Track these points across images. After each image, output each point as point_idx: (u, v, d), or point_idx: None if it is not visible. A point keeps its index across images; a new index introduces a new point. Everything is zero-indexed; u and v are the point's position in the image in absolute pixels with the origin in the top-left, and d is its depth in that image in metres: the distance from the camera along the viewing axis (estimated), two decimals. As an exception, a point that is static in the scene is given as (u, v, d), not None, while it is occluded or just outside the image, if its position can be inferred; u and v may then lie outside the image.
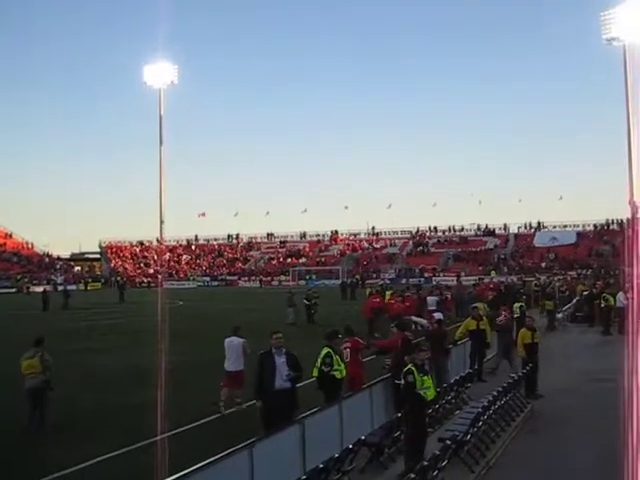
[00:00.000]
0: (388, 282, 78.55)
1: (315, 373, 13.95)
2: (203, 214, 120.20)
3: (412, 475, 8.99)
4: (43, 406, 14.84)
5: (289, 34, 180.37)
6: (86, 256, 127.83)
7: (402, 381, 11.69)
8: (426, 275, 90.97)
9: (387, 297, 36.61)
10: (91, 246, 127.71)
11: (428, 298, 35.45)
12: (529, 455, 12.77)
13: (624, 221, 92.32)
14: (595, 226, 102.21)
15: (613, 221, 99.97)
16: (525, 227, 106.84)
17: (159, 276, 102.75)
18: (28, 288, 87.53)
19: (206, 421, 15.38)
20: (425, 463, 9.56)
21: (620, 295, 31.19)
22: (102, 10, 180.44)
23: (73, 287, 66.24)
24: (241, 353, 16.74)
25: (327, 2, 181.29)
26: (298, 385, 12.96)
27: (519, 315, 25.91)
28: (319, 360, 13.87)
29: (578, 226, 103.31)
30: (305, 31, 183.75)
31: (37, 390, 14.78)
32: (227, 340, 17.09)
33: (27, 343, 15.73)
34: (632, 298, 29.06)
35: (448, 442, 10.76)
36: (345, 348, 15.36)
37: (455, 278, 78.84)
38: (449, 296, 37.96)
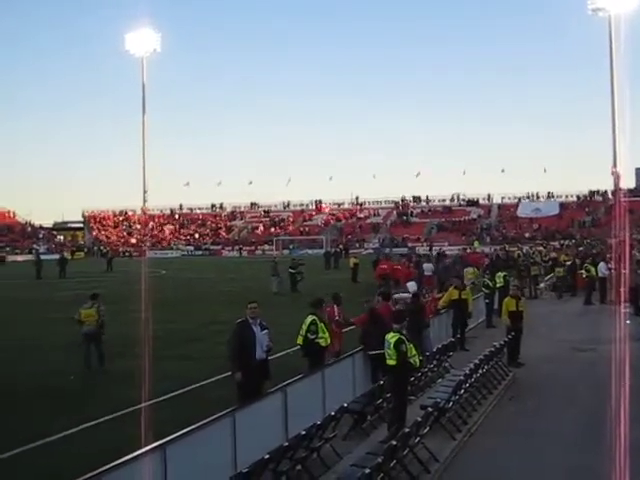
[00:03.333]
0: (372, 251, 78.63)
1: (300, 341, 13.99)
2: (187, 183, 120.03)
3: (394, 442, 9.05)
4: (100, 346, 17.83)
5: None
6: (69, 225, 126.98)
7: (386, 350, 11.76)
8: (410, 245, 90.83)
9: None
10: (74, 215, 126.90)
11: (424, 265, 36.25)
12: (510, 422, 12.86)
13: (607, 192, 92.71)
14: (578, 197, 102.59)
15: (596, 192, 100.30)
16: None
17: (142, 245, 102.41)
18: (3, 257, 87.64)
19: (191, 388, 15.39)
20: (407, 430, 9.62)
21: (602, 265, 31.37)
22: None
23: (56, 256, 65.17)
24: None
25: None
26: (280, 353, 12.97)
27: (503, 284, 26.00)
28: (304, 327, 13.90)
29: (561, 197, 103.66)
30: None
31: (93, 334, 17.73)
32: None
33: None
34: (614, 268, 29.31)
35: (430, 409, 10.82)
36: (330, 312, 15.71)
37: (428, 248, 78.76)
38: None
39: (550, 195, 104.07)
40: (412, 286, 21.64)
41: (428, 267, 35.94)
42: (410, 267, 35.31)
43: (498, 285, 26.05)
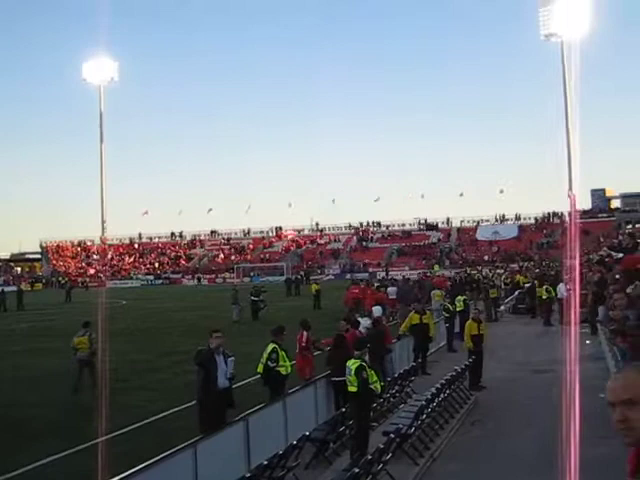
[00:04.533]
0: (333, 277, 79.15)
1: (260, 369, 13.91)
2: (146, 212, 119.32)
3: (356, 469, 9.02)
4: (93, 372, 18.44)
5: (230, 28, 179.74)
6: (26, 256, 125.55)
7: (347, 377, 11.77)
8: (370, 270, 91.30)
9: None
10: (32, 246, 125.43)
11: (389, 289, 37.22)
12: (472, 446, 12.90)
13: (564, 214, 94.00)
14: (536, 219, 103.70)
15: (553, 214, 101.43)
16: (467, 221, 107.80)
17: (101, 275, 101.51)
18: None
19: (149, 421, 15.22)
20: (369, 457, 9.59)
21: (561, 286, 31.71)
22: (39, 5, 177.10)
23: (13, 288, 65.15)
24: None
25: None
26: (241, 382, 12.92)
27: (462, 308, 26.15)
28: (265, 356, 13.85)
29: (519, 219, 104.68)
30: (246, 24, 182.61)
31: (85, 361, 18.67)
32: None
33: None
34: (573, 289, 29.64)
35: (392, 435, 10.81)
36: (299, 339, 15.95)
37: (385, 272, 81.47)
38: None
39: (518, 217, 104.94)
40: (377, 311, 21.56)
41: (392, 290, 36.53)
42: (381, 291, 35.80)
43: (458, 309, 26.21)
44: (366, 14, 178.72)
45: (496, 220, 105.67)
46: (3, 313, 50.88)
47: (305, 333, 16.12)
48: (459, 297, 27.86)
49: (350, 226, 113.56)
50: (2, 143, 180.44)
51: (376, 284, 43.05)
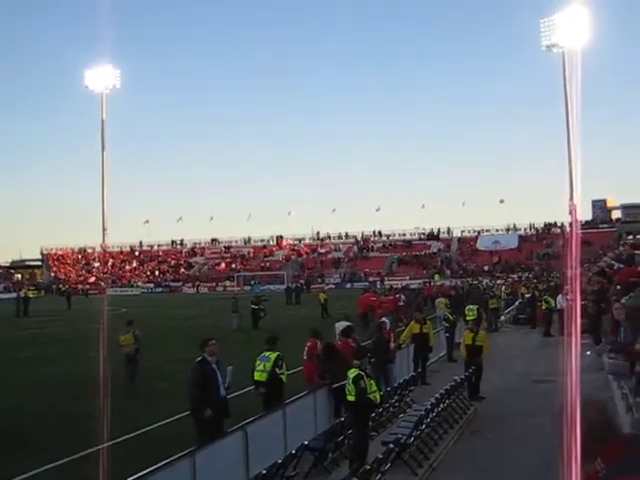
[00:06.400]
0: (333, 286, 79.30)
1: (263, 377, 13.81)
2: (147, 221, 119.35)
3: (355, 479, 8.99)
4: (136, 366, 21.18)
5: (233, 34, 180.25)
6: (27, 263, 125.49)
7: (346, 386, 11.75)
8: (371, 279, 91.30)
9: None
10: (32, 254, 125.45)
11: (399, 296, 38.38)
12: (472, 456, 12.85)
13: (564, 224, 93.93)
14: (537, 229, 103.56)
15: (554, 224, 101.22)
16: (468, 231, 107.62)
17: (102, 283, 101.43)
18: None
19: (148, 429, 15.17)
20: (368, 467, 9.56)
21: (560, 297, 31.67)
22: (41, 12, 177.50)
23: (14, 295, 65.86)
24: None
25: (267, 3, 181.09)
26: (241, 391, 12.89)
27: (475, 317, 26.00)
28: (269, 364, 13.79)
29: (520, 229, 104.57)
30: (251, 30, 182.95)
31: (130, 355, 21.03)
32: None
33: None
34: (572, 299, 29.62)
35: (391, 445, 10.78)
36: (310, 346, 15.93)
37: (380, 282, 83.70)
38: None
39: (531, 226, 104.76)
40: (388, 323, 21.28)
41: (401, 298, 37.24)
42: (400, 300, 36.41)
43: (469, 318, 26.02)
44: (369, 18, 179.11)
45: (506, 230, 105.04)
46: (16, 319, 51.83)
47: (318, 342, 16.13)
48: (471, 306, 27.94)
49: (351, 235, 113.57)
50: (4, 149, 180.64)
51: (385, 292, 43.83)
